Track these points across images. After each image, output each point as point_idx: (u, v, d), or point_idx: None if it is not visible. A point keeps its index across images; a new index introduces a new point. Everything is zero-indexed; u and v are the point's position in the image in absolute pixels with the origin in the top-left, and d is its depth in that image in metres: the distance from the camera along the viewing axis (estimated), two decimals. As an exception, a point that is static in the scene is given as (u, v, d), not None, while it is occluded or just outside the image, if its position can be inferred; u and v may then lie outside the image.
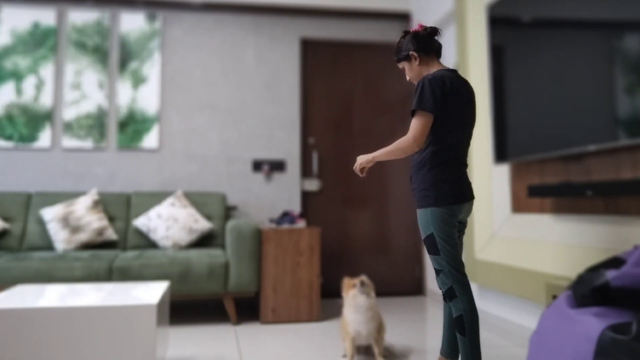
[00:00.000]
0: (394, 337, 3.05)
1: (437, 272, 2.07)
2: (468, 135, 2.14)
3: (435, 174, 2.07)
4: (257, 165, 4.30)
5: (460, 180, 2.08)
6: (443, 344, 2.23)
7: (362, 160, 2.19)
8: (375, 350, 2.56)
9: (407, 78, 2.27)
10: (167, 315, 2.57)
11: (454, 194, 2.05)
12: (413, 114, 2.06)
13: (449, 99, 2.03)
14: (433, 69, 2.17)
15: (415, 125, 2.02)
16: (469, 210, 2.16)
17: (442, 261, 2.04)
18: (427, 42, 2.18)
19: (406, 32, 2.22)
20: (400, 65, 2.25)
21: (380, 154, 2.13)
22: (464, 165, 2.12)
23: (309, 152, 4.43)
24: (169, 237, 3.61)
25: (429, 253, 2.09)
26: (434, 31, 2.18)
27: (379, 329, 2.58)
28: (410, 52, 2.17)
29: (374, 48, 4.62)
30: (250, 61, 4.39)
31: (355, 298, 2.55)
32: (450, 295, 2.03)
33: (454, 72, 2.10)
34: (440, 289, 2.07)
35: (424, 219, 2.07)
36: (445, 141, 2.06)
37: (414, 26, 2.41)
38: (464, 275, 2.03)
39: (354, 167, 2.21)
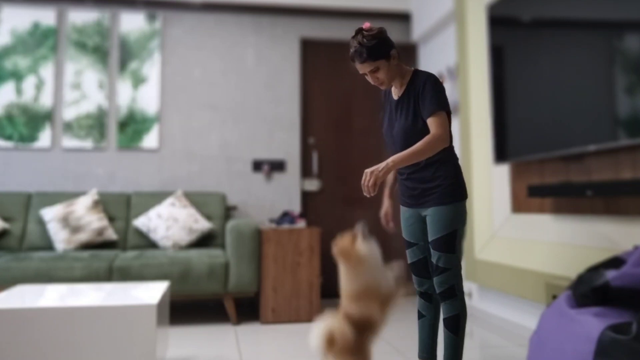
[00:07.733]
0: (393, 337, 3.05)
1: (443, 270, 1.95)
2: None
3: (456, 167, 2.04)
4: (257, 165, 4.30)
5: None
6: (425, 347, 2.12)
7: (375, 172, 1.81)
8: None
9: (375, 81, 2.01)
10: (167, 315, 2.57)
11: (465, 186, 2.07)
12: (431, 112, 1.93)
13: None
14: (404, 69, 2.07)
15: (442, 123, 1.90)
16: None
17: (455, 260, 1.96)
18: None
19: (360, 30, 1.95)
20: (372, 66, 1.94)
21: (401, 157, 1.83)
22: None
23: (309, 152, 4.43)
24: (169, 237, 3.61)
25: (442, 251, 1.95)
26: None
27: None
28: (392, 51, 1.96)
29: (374, 48, 4.61)
30: (250, 61, 4.39)
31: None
32: (449, 294, 1.96)
33: None
34: (438, 288, 1.98)
35: (450, 215, 1.95)
36: (451, 136, 2.04)
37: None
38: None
39: (364, 183, 1.83)
